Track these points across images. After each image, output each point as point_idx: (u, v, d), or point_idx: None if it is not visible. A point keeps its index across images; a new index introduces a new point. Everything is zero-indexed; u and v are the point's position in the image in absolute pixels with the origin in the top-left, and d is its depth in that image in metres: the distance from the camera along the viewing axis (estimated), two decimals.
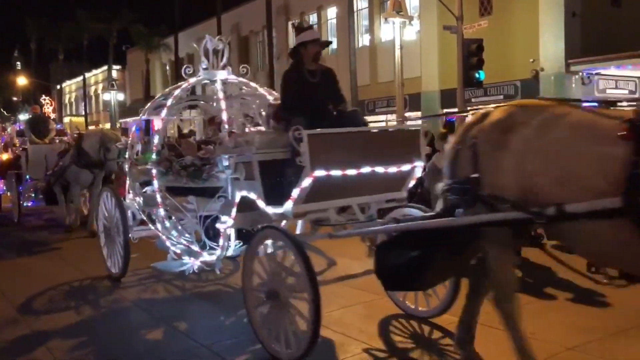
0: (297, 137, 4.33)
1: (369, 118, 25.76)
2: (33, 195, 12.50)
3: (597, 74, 18.17)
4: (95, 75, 51.83)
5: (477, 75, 15.53)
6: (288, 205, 4.53)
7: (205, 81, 6.68)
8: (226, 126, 5.86)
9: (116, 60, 46.70)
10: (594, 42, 17.14)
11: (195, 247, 5.96)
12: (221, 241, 5.46)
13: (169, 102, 6.36)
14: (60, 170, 10.75)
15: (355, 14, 25.47)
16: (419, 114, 23.15)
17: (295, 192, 4.47)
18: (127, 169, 6.91)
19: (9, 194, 13.42)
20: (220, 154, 5.24)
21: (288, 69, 5.21)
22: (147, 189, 6.54)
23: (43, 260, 8.76)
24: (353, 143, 4.65)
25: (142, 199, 6.61)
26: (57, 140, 13.09)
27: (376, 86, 24.97)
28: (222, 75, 6.55)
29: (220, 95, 6.24)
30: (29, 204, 12.76)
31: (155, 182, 6.14)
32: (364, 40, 26.52)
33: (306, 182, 4.39)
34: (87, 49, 46.71)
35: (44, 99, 50.67)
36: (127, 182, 6.91)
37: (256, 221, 5.09)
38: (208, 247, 5.87)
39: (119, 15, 42.32)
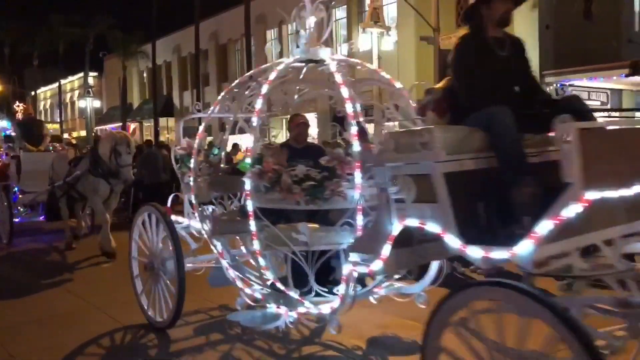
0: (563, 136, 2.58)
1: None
2: (21, 209, 10.96)
3: (570, 85, 18.52)
4: (71, 81, 51.20)
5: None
6: (524, 247, 2.62)
7: (296, 64, 4.92)
8: (353, 122, 4.11)
9: (92, 67, 46.16)
10: (567, 54, 17.47)
11: (295, 294, 4.23)
12: (341, 288, 3.88)
13: (264, 89, 4.51)
14: (74, 180, 9.16)
15: (334, 24, 25.64)
16: (396, 123, 23.30)
17: (544, 226, 2.59)
18: (190, 182, 5.00)
19: None
20: (379, 162, 3.29)
21: (463, 36, 3.59)
22: (208, 208, 5.04)
23: (53, 298, 6.75)
24: (635, 145, 2.97)
25: (213, 224, 4.77)
26: (56, 147, 11.64)
27: (355, 96, 25.06)
28: (326, 53, 4.81)
29: (339, 78, 4.41)
30: (16, 220, 10.73)
31: (249, 203, 4.21)
32: (342, 49, 26.66)
33: (571, 209, 2.57)
34: (63, 55, 46.11)
35: (18, 106, 49.94)
36: (187, 200, 5.29)
37: (419, 259, 3.54)
38: (314, 294, 4.31)
39: (95, 20, 41.90)
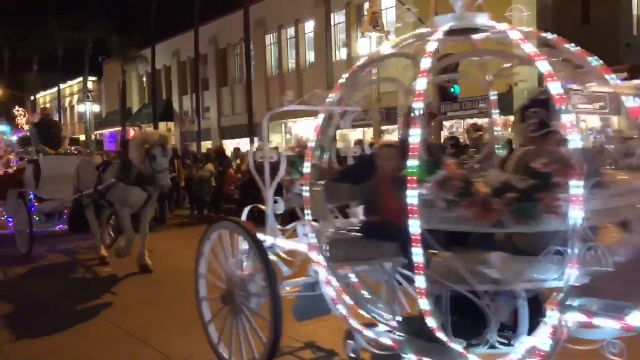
0: None
1: (345, 131, 25.98)
2: (37, 218, 9.82)
3: (570, 89, 18.52)
4: (71, 86, 51.23)
5: (452, 89, 15.75)
6: None
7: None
8: (563, 106, 2.88)
9: (92, 71, 46.21)
10: None
11: (459, 346, 3.06)
12: (529, 340, 2.94)
13: (426, 62, 3.36)
14: (105, 188, 8.19)
15: (332, 28, 25.68)
16: (395, 127, 23.39)
17: None
18: (302, 191, 3.93)
19: (4, 217, 10.85)
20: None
21: None
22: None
23: (85, 323, 5.78)
24: None
25: (337, 247, 3.78)
26: (80, 150, 10.95)
27: (353, 100, 25.10)
28: (484, 19, 3.75)
29: (530, 49, 3.19)
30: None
31: (415, 222, 2.98)
32: (341, 54, 26.72)
33: None
34: (62, 59, 46.15)
35: (18, 110, 49.99)
36: (270, 213, 4.37)
37: None
38: (487, 346, 3.14)
39: (94, 24, 41.93)
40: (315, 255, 3.83)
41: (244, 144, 24.10)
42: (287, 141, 27.85)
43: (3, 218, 10.96)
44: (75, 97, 50.44)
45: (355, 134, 24.61)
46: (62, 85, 48.44)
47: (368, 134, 23.15)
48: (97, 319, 5.94)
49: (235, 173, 15.32)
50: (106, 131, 45.17)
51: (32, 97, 53.51)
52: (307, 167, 3.90)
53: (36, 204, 9.83)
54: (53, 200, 9.64)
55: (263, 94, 29.07)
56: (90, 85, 46.08)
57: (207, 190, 15.06)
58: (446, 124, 20.63)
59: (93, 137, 45.08)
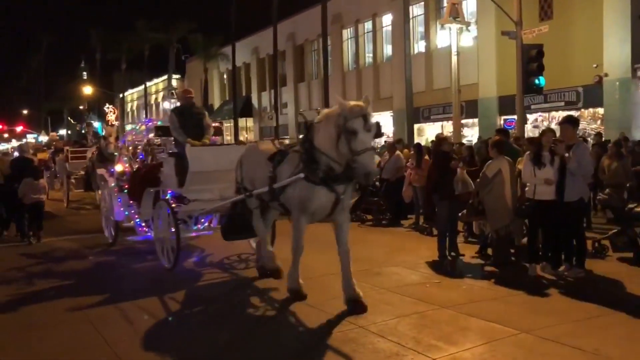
0: None
1: (424, 125, 25.62)
2: (195, 225, 8.34)
3: None
4: (156, 84, 53.47)
5: (537, 81, 15.11)
6: None
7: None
8: None
9: (176, 70, 48.07)
10: None
11: None
12: None
13: None
14: (281, 188, 6.10)
15: (411, 21, 25.29)
16: (475, 120, 22.75)
17: None
18: None
19: (132, 223, 9.15)
20: None
21: None
22: None
23: None
24: None
25: None
26: (218, 141, 9.26)
27: (432, 93, 24.69)
28: None
29: None
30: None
31: None
32: (419, 47, 26.29)
33: None
34: (148, 59, 48.28)
35: (108, 108, 52.75)
36: None
37: None
38: None
39: (178, 25, 43.57)
40: None
41: None
42: None
43: (132, 223, 9.20)
44: (161, 94, 52.54)
45: (434, 128, 24.20)
46: (148, 84, 50.56)
47: (447, 128, 22.67)
48: None
49: None
50: None
51: (120, 95, 56.21)
52: None
53: (175, 205, 7.84)
54: (200, 201, 7.82)
55: (340, 89, 29.09)
56: (174, 83, 47.87)
57: None
58: (530, 117, 19.86)
59: None
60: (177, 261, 7.60)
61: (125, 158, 9.86)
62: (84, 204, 16.81)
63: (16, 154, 12.90)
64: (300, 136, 7.28)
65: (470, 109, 22.36)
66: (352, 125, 5.24)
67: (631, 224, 7.50)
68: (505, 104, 20.17)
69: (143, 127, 10.58)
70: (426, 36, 25.69)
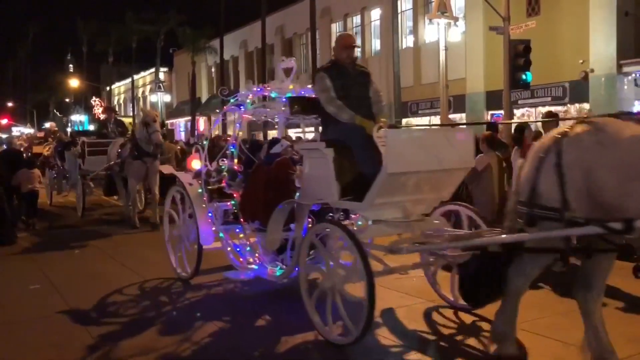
0: None
1: (412, 120, 25.69)
2: None
3: None
4: (143, 77, 53.10)
5: (524, 76, 15.23)
6: None
7: None
8: None
9: (163, 63, 47.75)
10: None
11: None
12: None
13: None
14: None
15: (399, 16, 25.32)
16: (463, 115, 22.87)
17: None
18: None
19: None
20: None
21: None
22: None
23: None
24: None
25: None
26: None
27: (420, 88, 24.76)
28: None
29: None
30: None
31: None
32: (407, 41, 26.34)
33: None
34: (136, 51, 47.94)
35: (94, 100, 52.33)
36: None
37: None
38: None
39: (166, 17, 43.27)
40: None
41: None
42: None
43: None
44: (148, 87, 52.19)
45: (422, 122, 24.28)
46: (135, 77, 50.24)
47: (434, 122, 22.76)
48: None
49: None
50: (177, 120, 46.53)
51: (107, 88, 55.78)
52: None
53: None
54: (382, 224, 5.20)
55: None
56: (161, 76, 47.54)
57: None
58: (517, 112, 19.99)
59: (166, 126, 46.56)
60: (366, 330, 4.37)
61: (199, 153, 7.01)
62: (105, 213, 13.34)
63: (4, 146, 12.86)
64: None
65: (458, 103, 22.46)
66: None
67: None
68: (493, 99, 20.29)
69: (251, 98, 6.72)
70: (414, 31, 25.74)
